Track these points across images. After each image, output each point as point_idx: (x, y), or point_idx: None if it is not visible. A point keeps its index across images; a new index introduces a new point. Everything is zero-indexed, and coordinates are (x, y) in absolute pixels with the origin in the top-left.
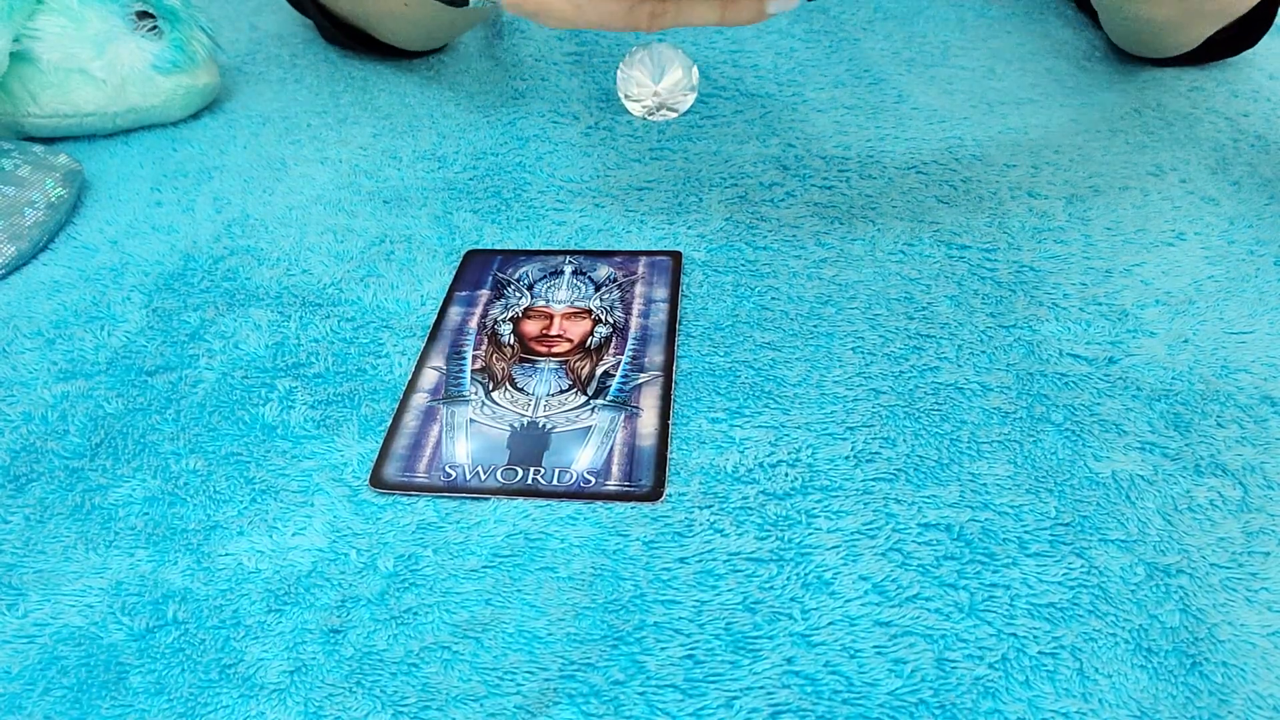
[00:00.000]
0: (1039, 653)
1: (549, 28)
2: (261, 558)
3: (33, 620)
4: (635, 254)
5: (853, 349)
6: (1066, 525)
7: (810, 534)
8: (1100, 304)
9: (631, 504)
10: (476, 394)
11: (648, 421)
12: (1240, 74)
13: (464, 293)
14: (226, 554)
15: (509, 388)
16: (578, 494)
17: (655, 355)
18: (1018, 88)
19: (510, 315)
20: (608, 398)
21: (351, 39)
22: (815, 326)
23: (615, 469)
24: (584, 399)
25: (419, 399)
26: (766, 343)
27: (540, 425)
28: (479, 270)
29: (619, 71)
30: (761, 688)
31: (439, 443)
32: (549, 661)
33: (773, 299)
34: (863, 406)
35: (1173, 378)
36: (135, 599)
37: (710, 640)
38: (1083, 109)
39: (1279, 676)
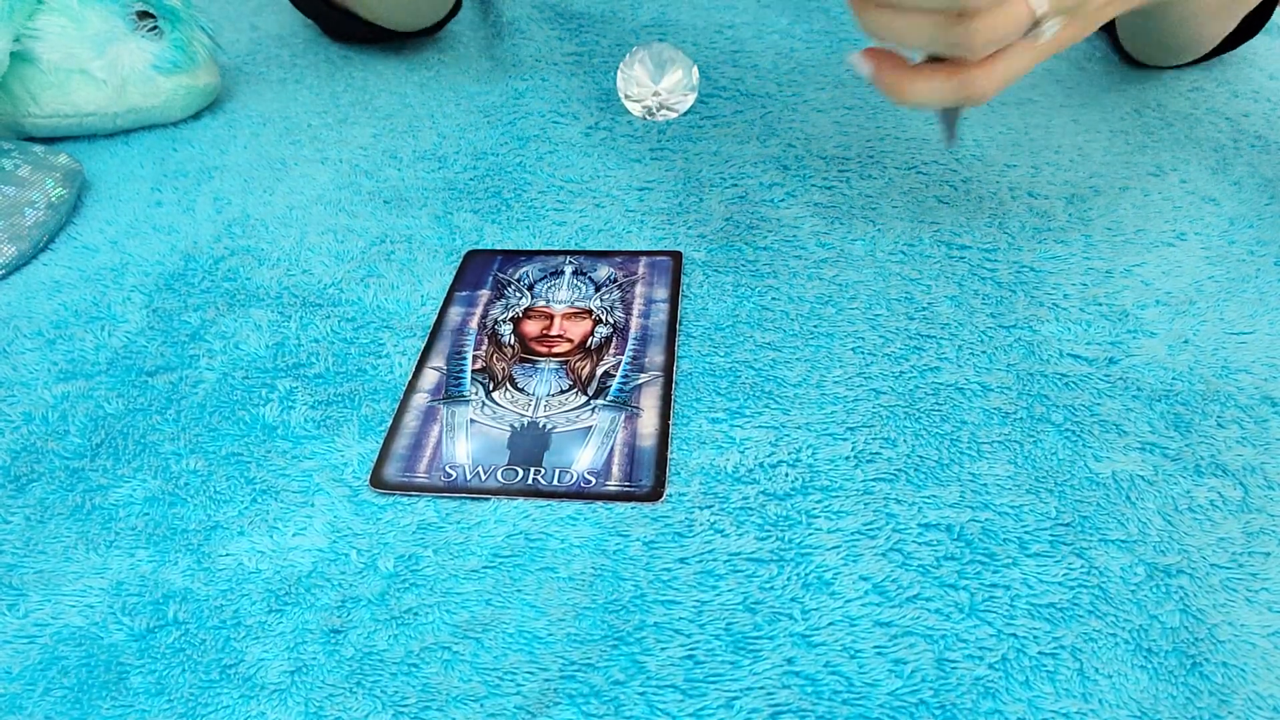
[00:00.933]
0: (1039, 653)
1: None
2: (262, 558)
3: (33, 620)
4: (635, 254)
5: (853, 349)
6: (1067, 525)
7: (810, 534)
8: (1100, 304)
9: (632, 504)
10: (477, 394)
11: (648, 422)
12: (1240, 74)
13: (464, 293)
14: (227, 554)
15: (509, 388)
16: (578, 494)
17: (656, 355)
18: (1018, 88)
19: (510, 315)
20: (608, 398)
21: (342, 14)
22: (815, 327)
23: (616, 469)
24: (584, 399)
25: (419, 399)
26: (767, 343)
27: (541, 425)
28: (479, 270)
29: (619, 71)
30: (762, 688)
31: (439, 443)
32: (549, 662)
33: (773, 299)
34: (863, 407)
35: (1173, 378)
36: (136, 599)
37: (710, 640)
38: (1083, 109)
39: (1279, 677)
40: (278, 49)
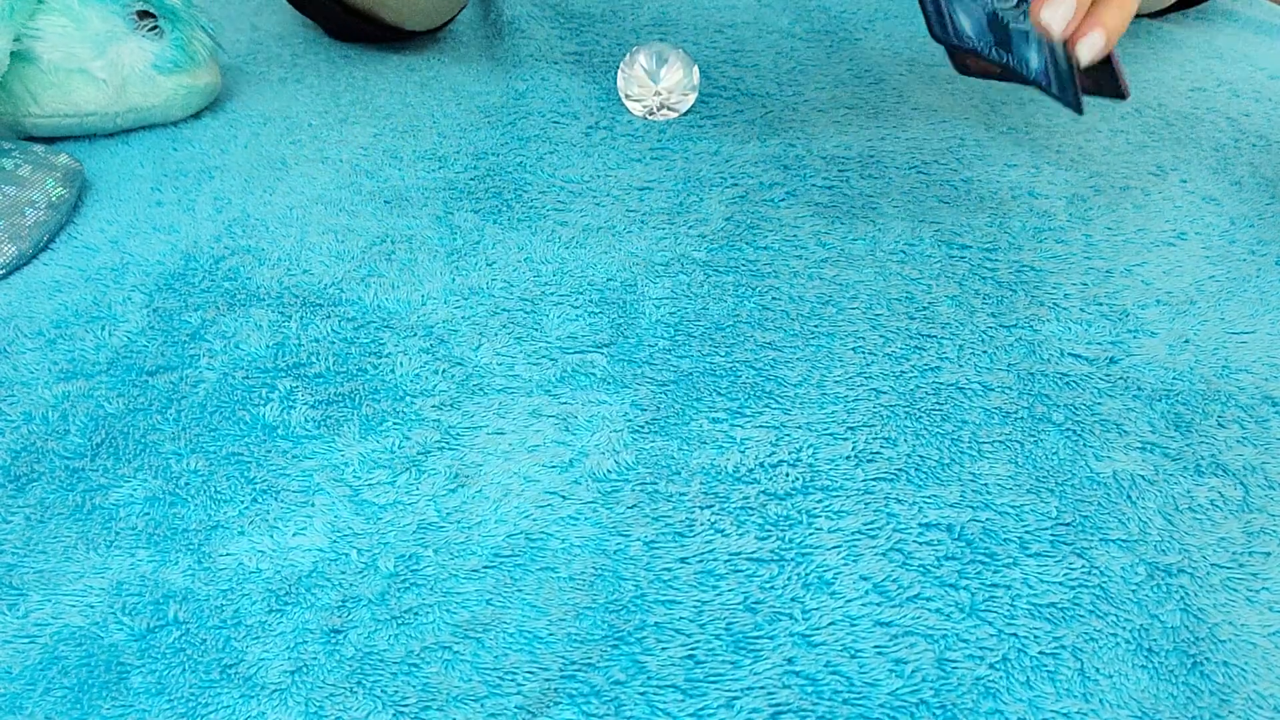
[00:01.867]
0: (1040, 653)
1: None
2: (262, 558)
3: (33, 620)
4: None
5: (853, 349)
6: (1067, 525)
7: (811, 534)
8: (1101, 304)
9: None
10: None
11: None
12: (1242, 73)
13: None
14: (227, 554)
15: None
16: None
17: None
18: (1018, 87)
19: None
20: None
21: (359, 18)
22: (816, 326)
23: None
24: None
25: None
26: (767, 342)
27: None
28: None
29: (619, 71)
30: (762, 688)
31: None
32: (550, 661)
33: (773, 299)
34: (864, 406)
35: (1174, 378)
36: (136, 599)
37: (711, 640)
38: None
39: (1279, 676)
40: (278, 48)
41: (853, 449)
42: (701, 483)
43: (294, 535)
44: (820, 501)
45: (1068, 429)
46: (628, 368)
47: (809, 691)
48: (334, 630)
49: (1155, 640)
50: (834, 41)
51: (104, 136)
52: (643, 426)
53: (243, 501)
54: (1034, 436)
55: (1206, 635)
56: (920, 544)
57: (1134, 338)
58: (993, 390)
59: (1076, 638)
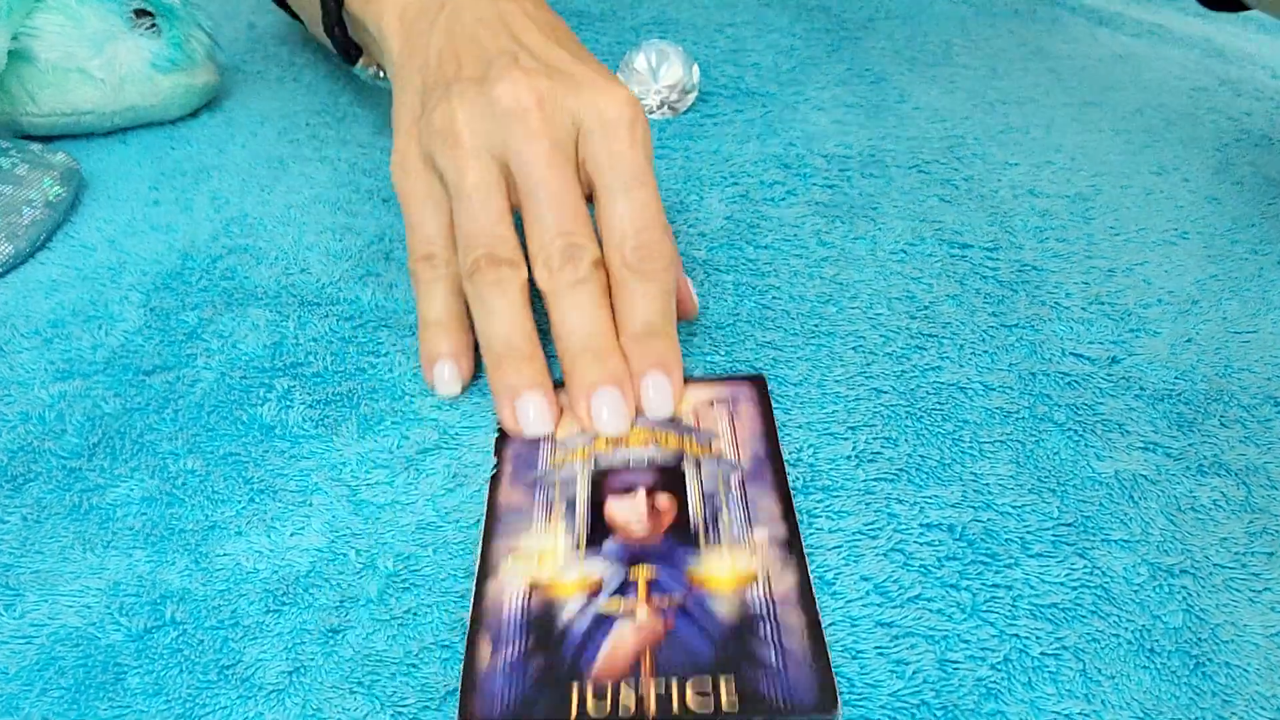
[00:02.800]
0: (1041, 654)
1: None
2: (260, 558)
3: (30, 621)
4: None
5: (854, 348)
6: (1069, 525)
7: (811, 534)
8: (1103, 303)
9: None
10: None
11: None
12: (1243, 73)
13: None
14: (224, 554)
15: None
16: None
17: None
18: (1020, 87)
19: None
20: None
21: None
22: (816, 326)
23: None
24: None
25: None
26: (767, 342)
27: None
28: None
29: (619, 70)
30: None
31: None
32: None
33: (774, 298)
34: (864, 406)
35: (1176, 377)
36: (133, 599)
37: None
38: (1084, 108)
39: None
40: (276, 47)
41: (853, 449)
42: None
43: (292, 535)
44: (820, 501)
45: (1069, 429)
46: None
47: None
48: (332, 630)
49: (1157, 641)
50: (835, 40)
51: (101, 135)
52: None
53: (240, 501)
54: (1035, 436)
55: (1209, 636)
56: (921, 544)
57: (1136, 337)
58: (994, 390)
59: (1078, 638)
